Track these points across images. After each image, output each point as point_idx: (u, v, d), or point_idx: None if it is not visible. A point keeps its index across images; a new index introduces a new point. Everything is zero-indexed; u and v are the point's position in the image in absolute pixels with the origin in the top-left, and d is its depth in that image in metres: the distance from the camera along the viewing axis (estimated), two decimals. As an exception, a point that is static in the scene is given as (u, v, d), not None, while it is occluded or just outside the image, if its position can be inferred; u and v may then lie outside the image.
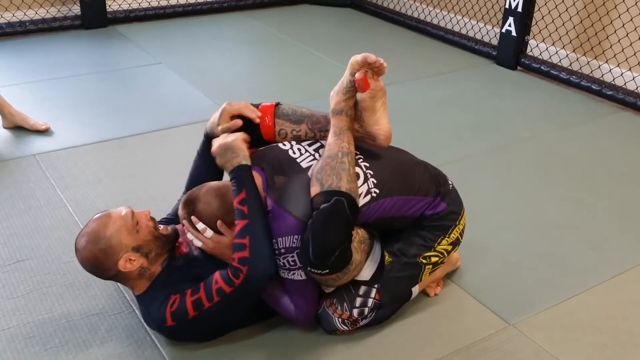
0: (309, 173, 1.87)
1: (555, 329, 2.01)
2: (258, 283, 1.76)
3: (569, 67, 3.99)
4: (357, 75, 1.88)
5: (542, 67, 4.01)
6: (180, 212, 1.88)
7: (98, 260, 1.79)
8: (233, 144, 1.88)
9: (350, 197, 1.76)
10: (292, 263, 1.80)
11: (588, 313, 2.09)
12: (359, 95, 1.91)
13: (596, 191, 2.80)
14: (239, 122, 1.98)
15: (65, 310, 2.01)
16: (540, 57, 4.16)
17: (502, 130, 3.34)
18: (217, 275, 1.78)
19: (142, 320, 1.92)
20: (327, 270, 1.74)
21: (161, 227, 1.90)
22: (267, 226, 1.79)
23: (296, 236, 1.78)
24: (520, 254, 2.36)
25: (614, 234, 2.51)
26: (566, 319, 2.06)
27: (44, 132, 3.12)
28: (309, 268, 1.75)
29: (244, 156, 1.86)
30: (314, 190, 1.79)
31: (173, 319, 1.78)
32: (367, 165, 1.94)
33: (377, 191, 1.89)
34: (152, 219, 1.89)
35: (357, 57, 1.89)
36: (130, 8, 4.82)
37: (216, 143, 1.91)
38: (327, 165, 1.82)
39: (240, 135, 1.92)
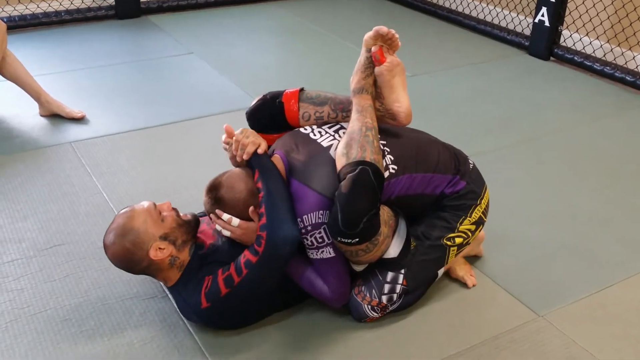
0: (331, 152, 1.90)
1: (584, 321, 2.01)
2: (280, 248, 1.78)
3: (603, 58, 3.93)
4: (372, 48, 1.94)
5: (576, 58, 3.96)
6: (204, 198, 1.91)
7: (129, 253, 1.82)
8: (250, 137, 1.92)
9: (374, 166, 1.79)
10: (319, 240, 1.83)
11: (618, 306, 2.08)
12: (377, 70, 1.95)
13: (627, 186, 2.77)
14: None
15: (101, 293, 2.06)
16: (573, 47, 4.11)
17: (533, 122, 3.31)
18: (245, 251, 1.83)
19: (179, 312, 1.95)
20: (357, 239, 1.76)
21: (181, 214, 1.94)
22: (286, 196, 1.84)
23: (322, 212, 1.81)
24: (550, 246, 2.35)
25: (646, 227, 2.48)
26: (596, 312, 2.05)
27: (80, 120, 3.18)
28: (338, 238, 1.76)
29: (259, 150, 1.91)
30: (340, 164, 1.83)
31: (207, 300, 1.82)
32: (384, 142, 1.96)
33: (395, 167, 1.91)
34: (174, 209, 1.94)
35: (370, 33, 1.95)
36: (163, -2, 4.88)
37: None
38: (351, 140, 1.85)
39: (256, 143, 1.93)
